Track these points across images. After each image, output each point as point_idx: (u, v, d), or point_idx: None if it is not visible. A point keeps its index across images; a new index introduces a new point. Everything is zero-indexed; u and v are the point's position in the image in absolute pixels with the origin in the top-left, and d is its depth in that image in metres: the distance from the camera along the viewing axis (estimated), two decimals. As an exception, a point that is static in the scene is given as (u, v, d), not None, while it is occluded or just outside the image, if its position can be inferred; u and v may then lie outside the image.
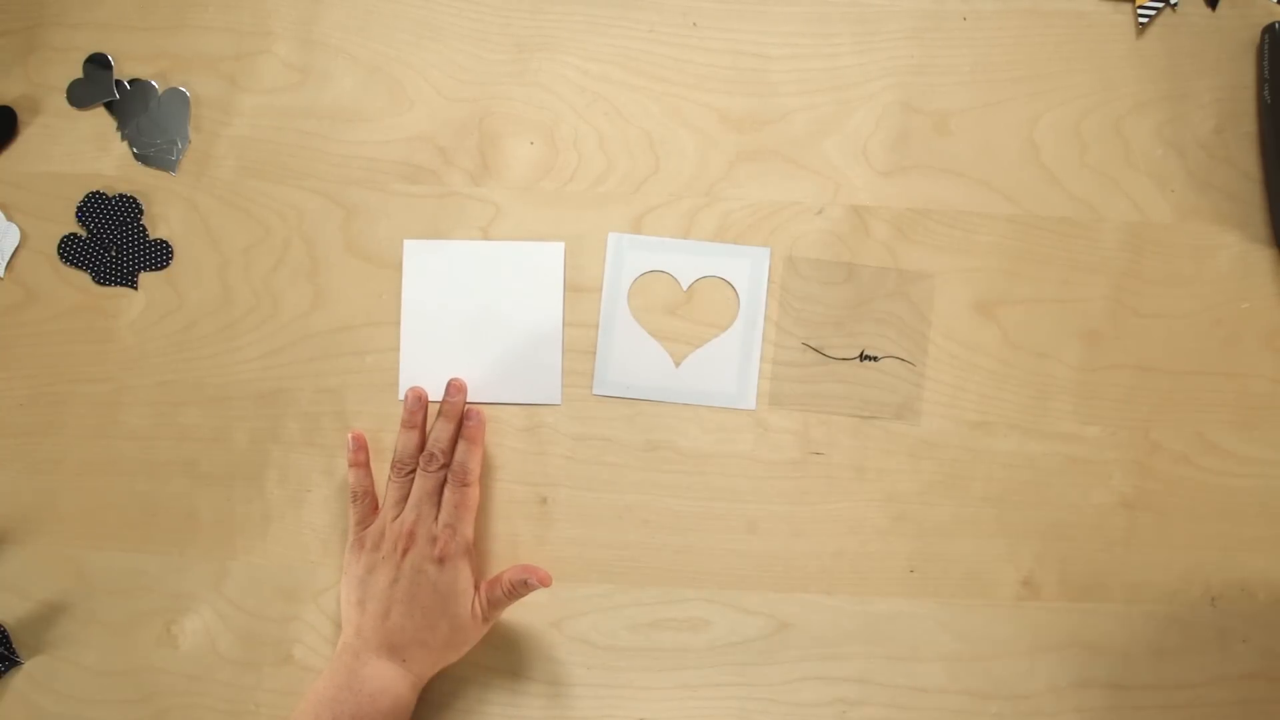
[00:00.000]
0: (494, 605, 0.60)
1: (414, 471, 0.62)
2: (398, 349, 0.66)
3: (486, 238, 0.67)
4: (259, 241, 0.67)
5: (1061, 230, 0.66)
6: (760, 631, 0.64)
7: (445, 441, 0.62)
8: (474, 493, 0.62)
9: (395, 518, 0.61)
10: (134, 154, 0.67)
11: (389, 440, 0.65)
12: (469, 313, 0.66)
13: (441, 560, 0.59)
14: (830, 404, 0.66)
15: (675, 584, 0.65)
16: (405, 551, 0.60)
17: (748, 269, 0.66)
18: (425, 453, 0.62)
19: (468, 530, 0.61)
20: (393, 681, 0.57)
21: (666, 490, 0.65)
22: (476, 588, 0.61)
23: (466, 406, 0.64)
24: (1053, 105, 0.67)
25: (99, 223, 0.67)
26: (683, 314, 0.66)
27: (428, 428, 0.64)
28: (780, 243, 0.66)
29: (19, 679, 0.65)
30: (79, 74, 0.67)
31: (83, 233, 0.67)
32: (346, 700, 0.56)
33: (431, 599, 0.59)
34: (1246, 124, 0.67)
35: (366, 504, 0.62)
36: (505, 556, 0.65)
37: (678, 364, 0.66)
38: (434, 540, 0.60)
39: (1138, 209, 0.66)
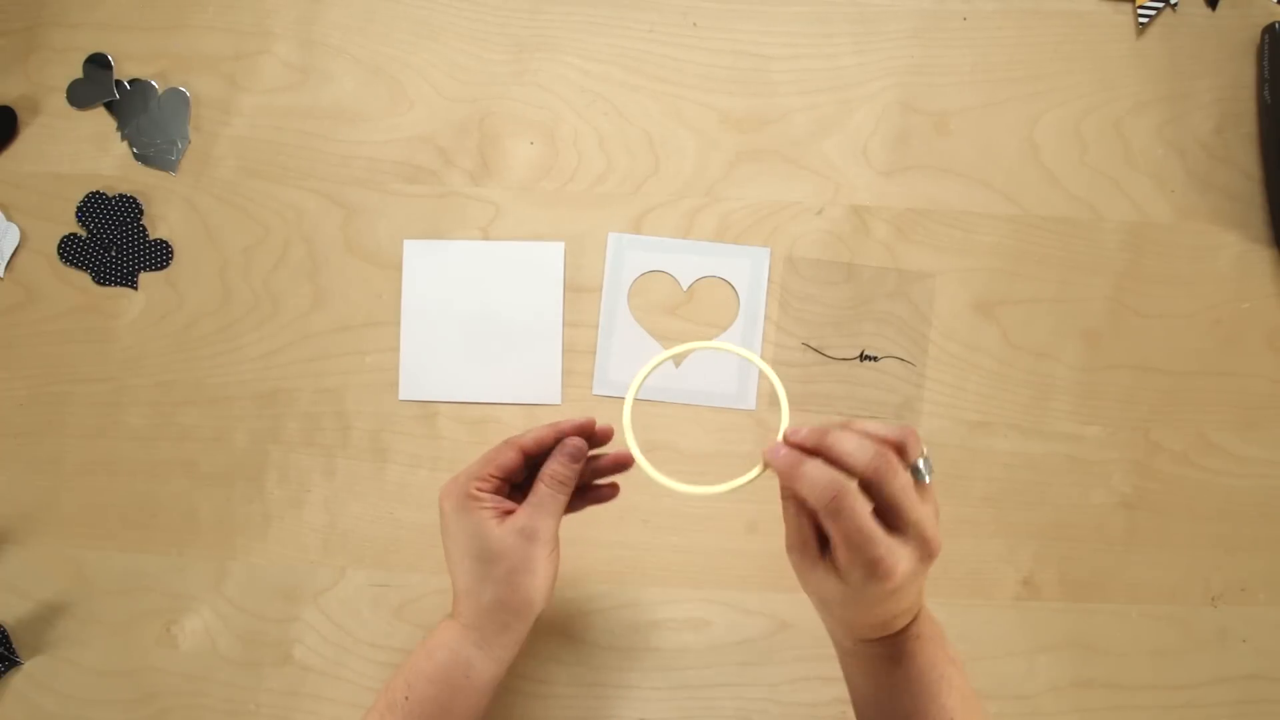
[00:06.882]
0: (540, 511, 0.52)
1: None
2: (398, 349, 0.66)
3: (486, 238, 0.67)
4: (259, 241, 0.67)
5: (1061, 230, 0.66)
6: (760, 631, 0.64)
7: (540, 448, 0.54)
8: (547, 491, 0.53)
9: None
10: (134, 154, 0.67)
11: (389, 440, 0.66)
12: (469, 313, 0.66)
13: (448, 496, 0.53)
14: (830, 404, 0.66)
15: (675, 584, 0.65)
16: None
17: (748, 269, 0.66)
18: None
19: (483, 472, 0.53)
20: (452, 638, 0.53)
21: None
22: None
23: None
24: (1053, 105, 0.67)
25: (99, 223, 0.67)
26: (683, 314, 0.66)
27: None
28: (780, 243, 0.66)
29: (19, 679, 0.65)
30: (79, 74, 0.67)
31: (83, 233, 0.67)
32: (415, 654, 0.54)
33: (453, 538, 0.52)
34: (1246, 124, 0.67)
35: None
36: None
37: (678, 364, 0.66)
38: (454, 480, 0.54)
39: (1138, 209, 0.66)
